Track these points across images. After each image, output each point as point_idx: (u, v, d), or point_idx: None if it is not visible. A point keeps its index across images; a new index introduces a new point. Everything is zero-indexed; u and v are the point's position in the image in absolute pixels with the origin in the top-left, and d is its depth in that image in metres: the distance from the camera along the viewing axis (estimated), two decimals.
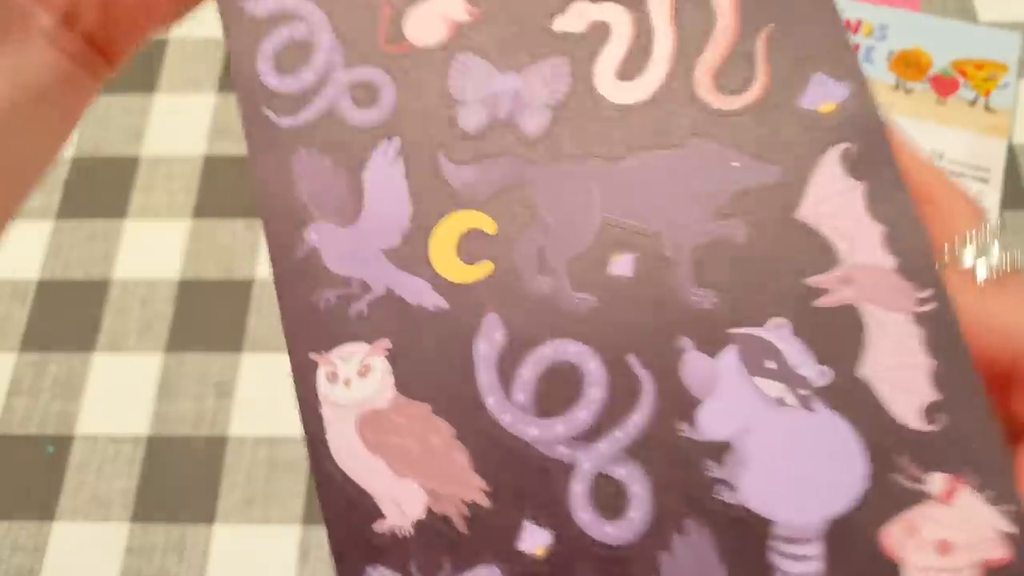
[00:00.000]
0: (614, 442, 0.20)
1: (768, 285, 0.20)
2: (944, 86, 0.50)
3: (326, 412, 0.21)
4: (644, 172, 0.21)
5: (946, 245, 0.21)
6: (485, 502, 0.20)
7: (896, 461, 0.19)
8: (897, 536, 0.19)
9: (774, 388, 0.20)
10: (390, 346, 0.21)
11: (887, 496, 0.19)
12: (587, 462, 0.20)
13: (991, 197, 0.47)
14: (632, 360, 0.20)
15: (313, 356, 0.22)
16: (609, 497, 0.20)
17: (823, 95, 0.21)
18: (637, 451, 0.20)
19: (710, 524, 0.19)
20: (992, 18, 0.54)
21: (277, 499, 0.44)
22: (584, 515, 0.20)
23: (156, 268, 0.50)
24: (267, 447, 0.45)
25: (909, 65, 0.51)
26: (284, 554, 0.43)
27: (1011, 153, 0.50)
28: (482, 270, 0.21)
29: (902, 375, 0.19)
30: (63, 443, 0.46)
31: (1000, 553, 0.19)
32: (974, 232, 0.21)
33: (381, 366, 0.21)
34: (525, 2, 0.22)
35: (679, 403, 0.20)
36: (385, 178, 0.22)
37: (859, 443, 0.19)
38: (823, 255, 0.20)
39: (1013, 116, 0.50)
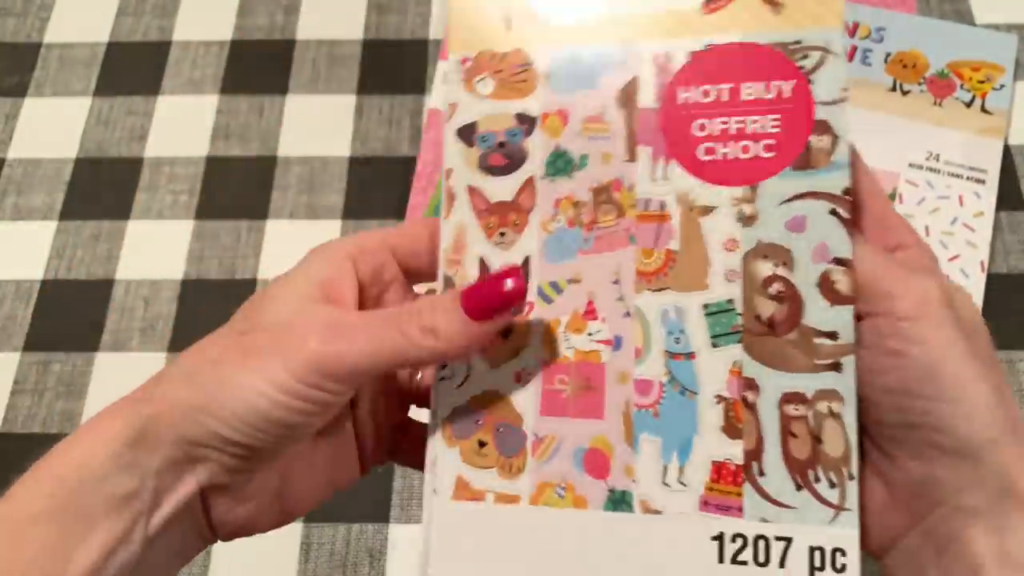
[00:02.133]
0: None
1: None
2: (941, 88, 0.50)
3: None
4: None
5: None
6: None
7: None
8: None
9: None
10: None
11: None
12: None
13: (987, 198, 0.47)
14: None
15: None
16: None
17: None
18: None
19: None
20: (988, 20, 0.54)
21: None
22: None
23: (159, 268, 0.50)
24: None
25: (906, 67, 0.51)
26: (286, 552, 0.43)
27: (1007, 154, 0.50)
28: None
29: None
30: None
31: None
32: None
33: None
34: None
35: None
36: None
37: None
38: None
39: (1009, 117, 0.50)
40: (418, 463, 0.27)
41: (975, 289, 0.45)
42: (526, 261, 0.26)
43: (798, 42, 0.25)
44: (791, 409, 0.24)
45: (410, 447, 0.29)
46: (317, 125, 0.54)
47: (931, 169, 0.48)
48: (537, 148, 0.27)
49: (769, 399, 0.24)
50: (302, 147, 0.53)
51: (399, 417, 0.29)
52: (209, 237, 0.51)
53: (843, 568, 0.23)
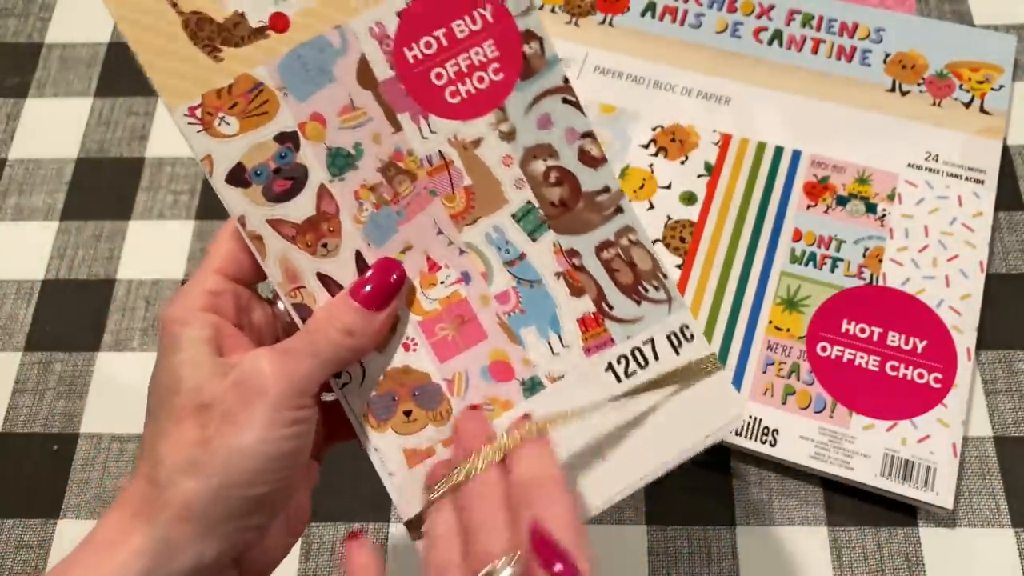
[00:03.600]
0: None
1: None
2: (940, 88, 0.50)
3: None
4: None
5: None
6: None
7: None
8: None
9: None
10: None
11: None
12: None
13: (986, 198, 0.47)
14: None
15: None
16: None
17: None
18: None
19: None
20: (987, 21, 0.54)
21: None
22: None
23: (161, 268, 0.50)
24: None
25: (905, 67, 0.51)
26: None
27: (1006, 154, 0.50)
28: None
29: None
30: (68, 441, 0.45)
31: None
32: None
33: None
34: None
35: None
36: None
37: None
38: None
39: (1008, 118, 0.50)
40: (348, 434, 0.29)
41: (974, 289, 0.45)
42: (358, 256, 0.28)
43: None
44: (606, 254, 0.30)
45: (337, 424, 0.30)
46: None
47: (930, 169, 0.48)
48: (312, 157, 0.27)
49: (589, 256, 0.30)
50: None
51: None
52: (210, 237, 0.50)
53: (692, 337, 0.30)
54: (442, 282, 0.29)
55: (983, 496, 0.42)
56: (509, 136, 0.29)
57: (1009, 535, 0.41)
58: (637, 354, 0.30)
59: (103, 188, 0.52)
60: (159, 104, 0.55)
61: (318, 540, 0.43)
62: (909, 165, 0.48)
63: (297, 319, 0.28)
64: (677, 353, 0.30)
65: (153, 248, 0.50)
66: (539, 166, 0.29)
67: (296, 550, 0.43)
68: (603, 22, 0.53)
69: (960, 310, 0.44)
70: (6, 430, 0.46)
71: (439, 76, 0.28)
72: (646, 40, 0.52)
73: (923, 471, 0.41)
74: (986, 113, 0.49)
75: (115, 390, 0.47)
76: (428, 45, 0.28)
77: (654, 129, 0.49)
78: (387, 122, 0.28)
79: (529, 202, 0.29)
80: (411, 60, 0.28)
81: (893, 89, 0.50)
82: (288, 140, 0.27)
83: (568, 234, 0.29)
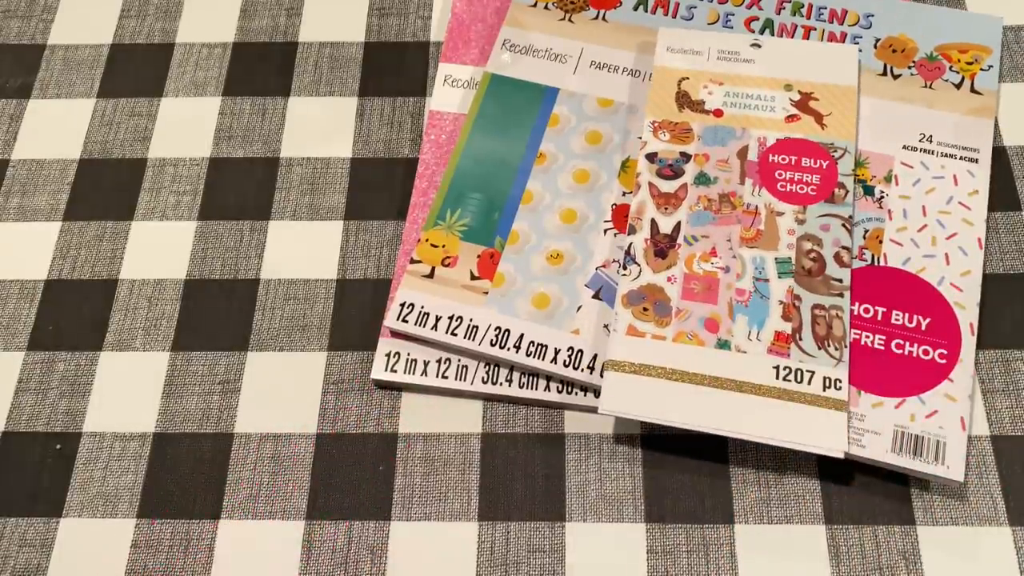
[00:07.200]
0: None
1: None
2: (930, 71, 0.49)
3: None
4: None
5: None
6: None
7: None
8: None
9: None
10: None
11: None
12: None
13: (981, 176, 0.46)
14: None
15: None
16: None
17: None
18: None
19: None
20: (978, 7, 0.53)
21: (281, 494, 0.42)
22: None
23: (163, 268, 0.49)
24: (272, 443, 0.44)
25: (895, 51, 0.50)
26: (288, 549, 0.41)
27: (1003, 156, 0.49)
28: None
29: None
30: (70, 441, 0.44)
31: None
32: None
33: None
34: None
35: None
36: None
37: None
38: None
39: (998, 96, 0.49)
40: None
41: (974, 265, 0.44)
42: (678, 224, 0.44)
43: (832, 143, 0.46)
44: (816, 311, 0.42)
45: None
46: (319, 126, 0.53)
47: (925, 150, 0.47)
48: (690, 170, 0.46)
49: (806, 305, 0.42)
50: (304, 148, 0.52)
51: None
52: (212, 238, 0.49)
53: (840, 388, 0.40)
54: (712, 263, 0.43)
55: (980, 495, 0.41)
56: (800, 222, 0.44)
57: (1007, 534, 0.40)
58: (799, 373, 0.40)
59: (106, 189, 0.52)
60: (161, 105, 0.54)
61: (319, 538, 0.41)
62: (904, 147, 0.47)
63: (628, 234, 0.44)
64: (823, 390, 0.40)
65: (155, 249, 0.49)
66: (807, 245, 0.43)
67: (297, 548, 0.41)
68: (596, 17, 0.52)
69: (961, 287, 0.43)
70: (9, 429, 0.45)
71: (780, 174, 0.45)
72: (640, 33, 0.51)
73: (933, 446, 0.40)
74: (977, 93, 0.48)
75: (118, 389, 0.46)
76: (783, 158, 0.45)
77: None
78: (738, 177, 0.45)
79: (789, 259, 0.43)
80: (770, 161, 0.45)
81: (885, 73, 0.49)
82: (685, 157, 0.46)
83: (801, 287, 0.42)
